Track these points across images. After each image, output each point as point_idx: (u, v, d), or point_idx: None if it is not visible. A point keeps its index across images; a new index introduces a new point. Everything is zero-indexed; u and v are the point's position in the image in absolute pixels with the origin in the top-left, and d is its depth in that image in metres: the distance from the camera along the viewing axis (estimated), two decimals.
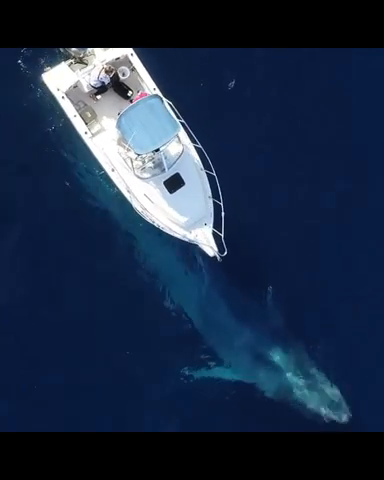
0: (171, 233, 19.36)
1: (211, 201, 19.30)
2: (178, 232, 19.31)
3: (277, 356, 21.21)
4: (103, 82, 19.23)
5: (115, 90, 19.70)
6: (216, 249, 19.10)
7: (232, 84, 22.32)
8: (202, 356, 21.13)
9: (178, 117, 18.97)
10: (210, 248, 19.12)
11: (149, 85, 19.54)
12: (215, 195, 19.27)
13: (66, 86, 19.17)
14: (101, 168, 19.97)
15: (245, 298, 21.47)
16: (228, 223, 20.64)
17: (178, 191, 19.25)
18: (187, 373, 20.85)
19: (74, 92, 19.46)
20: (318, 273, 22.18)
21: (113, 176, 19.48)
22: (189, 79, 21.82)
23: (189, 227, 19.35)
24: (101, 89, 19.44)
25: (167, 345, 20.96)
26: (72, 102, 19.34)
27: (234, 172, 21.63)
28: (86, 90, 19.43)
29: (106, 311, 20.90)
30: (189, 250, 20.93)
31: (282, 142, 22.42)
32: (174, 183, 19.23)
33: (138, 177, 19.24)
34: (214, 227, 19.30)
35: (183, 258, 21.37)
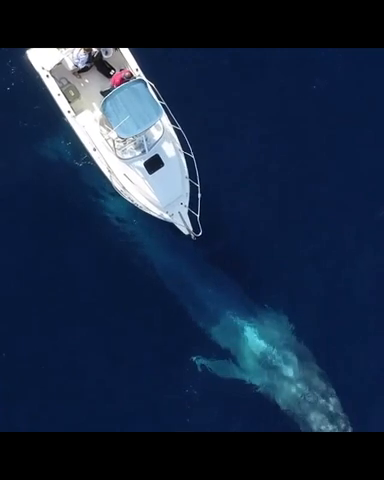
0: (148, 212, 19.63)
1: (187, 182, 19.50)
2: (155, 211, 19.58)
3: (279, 358, 21.04)
4: (86, 60, 19.56)
5: (98, 69, 20.08)
6: (191, 228, 19.27)
7: (232, 84, 22.51)
8: (207, 358, 20.99)
9: (159, 99, 19.25)
10: (185, 227, 19.25)
11: (132, 65, 19.88)
12: (193, 177, 19.45)
13: (51, 64, 19.58)
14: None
15: (247, 299, 21.45)
16: (228, 222, 20.81)
17: (157, 172, 19.52)
18: (192, 373, 20.77)
19: (58, 70, 19.84)
20: (318, 273, 21.95)
21: (94, 155, 19.82)
22: (185, 75, 22.17)
23: (166, 207, 19.55)
24: (84, 67, 19.83)
25: (171, 346, 20.95)
26: (56, 80, 19.78)
27: (234, 172, 21.86)
28: (70, 68, 19.84)
29: (110, 313, 21.04)
30: (191, 251, 21.05)
31: (282, 142, 22.38)
32: (153, 164, 19.50)
33: (119, 158, 19.54)
34: (190, 208, 19.38)
35: (185, 260, 21.44)
